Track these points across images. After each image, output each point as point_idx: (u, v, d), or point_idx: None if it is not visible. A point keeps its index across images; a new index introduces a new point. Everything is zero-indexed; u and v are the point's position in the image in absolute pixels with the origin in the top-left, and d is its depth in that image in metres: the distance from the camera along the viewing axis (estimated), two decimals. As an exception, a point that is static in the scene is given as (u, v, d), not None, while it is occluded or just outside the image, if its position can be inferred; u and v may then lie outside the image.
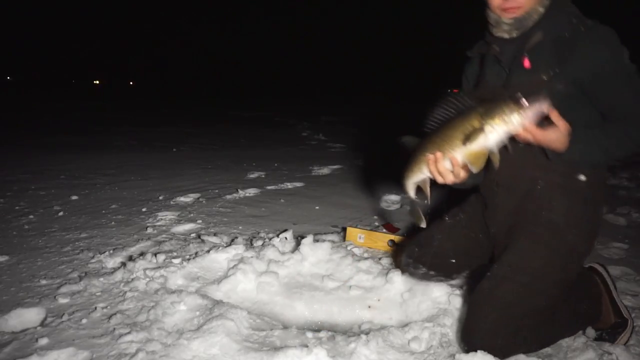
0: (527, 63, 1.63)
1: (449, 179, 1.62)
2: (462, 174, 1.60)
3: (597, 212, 1.73)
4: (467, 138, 1.49)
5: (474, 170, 1.56)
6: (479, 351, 1.58)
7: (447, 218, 2.10)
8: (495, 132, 1.44)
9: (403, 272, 2.09)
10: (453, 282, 2.17)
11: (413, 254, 2.05)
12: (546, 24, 1.58)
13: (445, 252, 1.99)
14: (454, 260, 2.00)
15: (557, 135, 1.43)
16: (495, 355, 1.59)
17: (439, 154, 1.58)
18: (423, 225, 1.80)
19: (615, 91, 1.52)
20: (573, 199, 1.68)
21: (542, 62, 1.60)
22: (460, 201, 2.22)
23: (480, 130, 1.45)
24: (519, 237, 1.74)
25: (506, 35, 1.70)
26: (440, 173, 1.61)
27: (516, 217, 1.81)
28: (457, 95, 1.56)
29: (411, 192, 1.79)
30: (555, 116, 1.43)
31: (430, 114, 1.61)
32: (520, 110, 1.38)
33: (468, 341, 1.69)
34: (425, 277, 2.05)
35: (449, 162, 1.58)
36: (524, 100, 1.37)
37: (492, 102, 1.45)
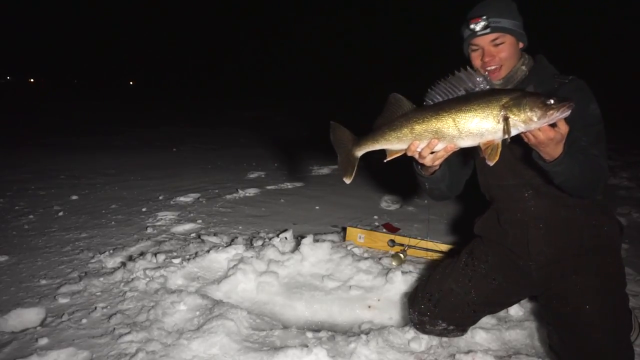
0: None
1: (427, 160, 1.55)
2: (439, 162, 1.57)
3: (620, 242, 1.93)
4: (482, 124, 1.40)
5: (490, 161, 1.42)
6: (479, 352, 1.58)
7: (463, 268, 1.99)
8: (516, 125, 1.36)
9: (418, 329, 1.99)
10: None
11: (428, 311, 1.93)
12: (535, 79, 1.75)
13: (467, 305, 1.92)
14: (474, 311, 1.93)
15: (559, 137, 1.42)
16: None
17: (434, 140, 1.47)
18: (347, 181, 1.67)
19: (577, 129, 1.61)
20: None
21: None
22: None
23: (499, 119, 1.38)
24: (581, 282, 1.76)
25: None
26: (422, 149, 1.52)
27: (559, 254, 1.82)
28: (472, 74, 1.46)
29: (361, 151, 1.65)
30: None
31: (434, 86, 1.51)
32: (548, 111, 1.33)
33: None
34: (444, 333, 1.97)
35: (441, 143, 1.48)
36: (553, 100, 1.33)
37: (519, 95, 1.38)
